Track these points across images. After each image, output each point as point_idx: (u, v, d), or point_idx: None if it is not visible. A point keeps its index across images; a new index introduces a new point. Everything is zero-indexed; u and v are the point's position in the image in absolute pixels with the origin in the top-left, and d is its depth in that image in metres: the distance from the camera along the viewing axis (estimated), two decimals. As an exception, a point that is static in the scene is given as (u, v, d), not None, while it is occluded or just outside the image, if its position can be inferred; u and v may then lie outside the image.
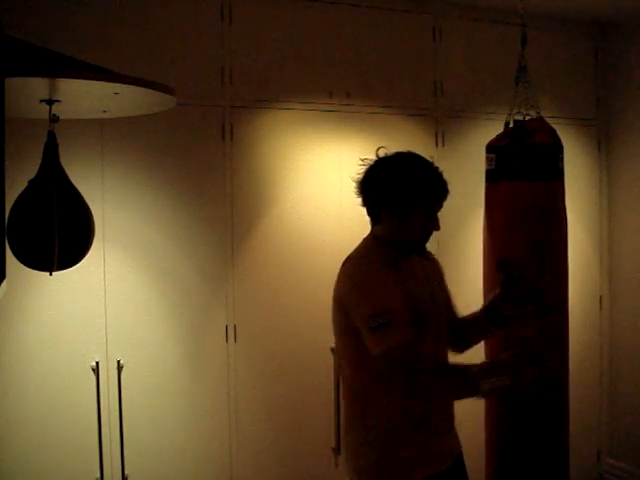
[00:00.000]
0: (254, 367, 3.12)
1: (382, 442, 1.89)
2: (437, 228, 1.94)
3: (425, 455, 1.89)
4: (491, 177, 2.65)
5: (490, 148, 2.64)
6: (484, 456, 2.70)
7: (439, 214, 1.98)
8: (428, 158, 1.94)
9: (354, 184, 1.99)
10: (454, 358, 2.03)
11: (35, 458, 2.74)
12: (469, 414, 3.31)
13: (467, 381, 1.76)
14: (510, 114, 2.69)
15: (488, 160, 2.65)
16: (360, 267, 1.89)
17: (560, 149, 2.67)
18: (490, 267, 2.64)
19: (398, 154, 1.93)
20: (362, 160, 1.97)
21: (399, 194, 1.87)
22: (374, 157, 1.98)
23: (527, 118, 2.67)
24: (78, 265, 2.08)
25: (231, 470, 3.09)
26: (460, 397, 1.85)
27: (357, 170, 2.00)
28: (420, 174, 1.88)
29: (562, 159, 2.67)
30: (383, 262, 1.87)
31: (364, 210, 3.21)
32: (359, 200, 1.99)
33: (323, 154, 3.27)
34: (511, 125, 2.71)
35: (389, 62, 3.39)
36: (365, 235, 2.06)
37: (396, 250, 1.93)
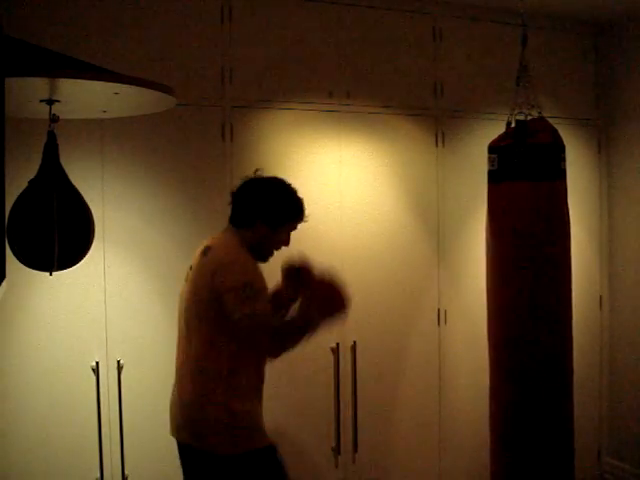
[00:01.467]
0: (254, 367, 3.12)
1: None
2: (286, 244, 2.31)
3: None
4: (494, 177, 2.64)
5: (492, 148, 2.64)
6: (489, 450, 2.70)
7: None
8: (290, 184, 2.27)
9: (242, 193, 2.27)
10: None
11: (35, 458, 2.74)
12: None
13: (304, 322, 2.11)
14: (511, 114, 2.68)
15: (490, 160, 2.65)
16: (233, 253, 2.17)
17: (562, 149, 2.67)
18: (493, 267, 2.63)
19: (270, 178, 2.28)
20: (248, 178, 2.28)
21: (273, 208, 2.23)
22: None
23: (529, 118, 2.67)
24: (78, 265, 2.08)
25: (231, 470, 3.09)
26: (304, 337, 2.13)
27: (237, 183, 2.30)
28: (282, 196, 2.25)
29: (564, 159, 2.67)
30: (250, 256, 2.21)
31: (364, 210, 3.23)
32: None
33: (323, 154, 3.27)
34: (513, 125, 2.71)
35: (389, 62, 3.39)
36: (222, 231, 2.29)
37: (254, 256, 2.24)
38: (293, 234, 3.19)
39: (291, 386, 3.17)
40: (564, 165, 2.66)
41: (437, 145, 3.50)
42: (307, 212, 2.31)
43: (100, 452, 2.80)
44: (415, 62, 3.46)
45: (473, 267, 3.41)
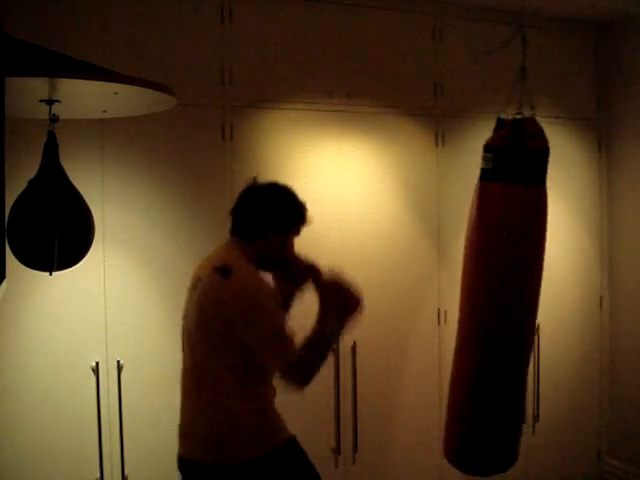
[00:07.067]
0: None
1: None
2: (293, 250, 2.23)
3: None
4: (486, 176, 2.64)
5: (488, 148, 2.63)
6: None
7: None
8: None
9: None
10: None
11: (35, 458, 2.74)
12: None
13: (324, 339, 2.07)
14: (504, 111, 2.67)
15: (485, 159, 2.65)
16: (256, 283, 2.05)
17: (548, 152, 2.67)
18: (471, 261, 2.63)
19: (271, 183, 2.19)
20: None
21: (284, 214, 2.15)
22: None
23: (522, 118, 2.66)
24: (78, 265, 2.08)
25: (231, 470, 3.09)
26: (329, 349, 2.14)
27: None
28: (289, 200, 2.17)
29: (547, 162, 2.68)
30: (268, 284, 2.12)
31: (364, 210, 3.22)
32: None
33: (323, 154, 3.27)
34: (505, 123, 2.69)
35: (389, 62, 3.40)
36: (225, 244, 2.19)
37: (265, 268, 2.18)
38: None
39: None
40: (547, 169, 2.67)
41: (437, 145, 3.50)
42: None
43: (100, 452, 2.79)
44: (415, 62, 3.46)
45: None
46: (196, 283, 2.10)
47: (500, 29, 3.52)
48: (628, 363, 3.86)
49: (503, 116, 2.63)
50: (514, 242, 2.48)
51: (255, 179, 2.18)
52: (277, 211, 2.13)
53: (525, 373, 2.64)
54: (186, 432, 2.21)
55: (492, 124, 3.38)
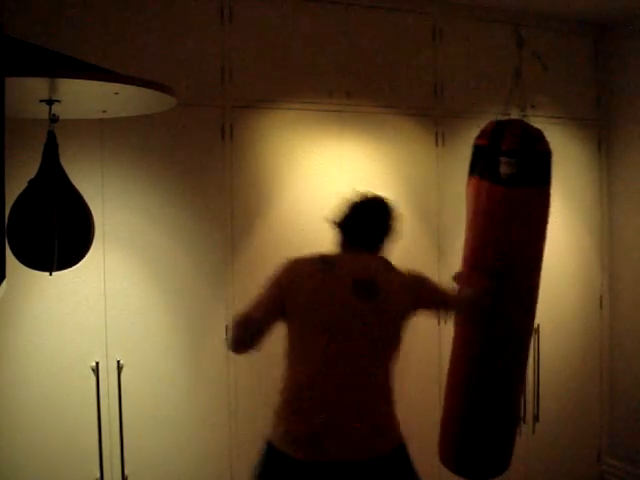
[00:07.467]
0: (254, 367, 3.12)
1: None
2: None
3: None
4: (511, 181, 2.59)
5: (511, 152, 2.58)
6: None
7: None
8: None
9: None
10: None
11: (35, 458, 2.74)
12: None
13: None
14: (503, 113, 2.66)
15: (509, 164, 2.61)
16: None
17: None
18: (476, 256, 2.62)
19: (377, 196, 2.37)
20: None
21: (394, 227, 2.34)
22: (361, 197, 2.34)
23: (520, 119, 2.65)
24: (78, 265, 2.08)
25: (231, 470, 3.09)
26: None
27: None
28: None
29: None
30: None
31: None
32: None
33: (323, 154, 3.27)
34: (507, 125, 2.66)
35: (389, 62, 3.40)
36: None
37: None
38: (293, 235, 3.21)
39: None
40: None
41: (437, 145, 3.50)
42: None
43: (100, 452, 2.80)
44: (415, 62, 3.46)
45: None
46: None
47: (500, 29, 3.53)
48: (628, 363, 3.86)
49: (499, 118, 2.62)
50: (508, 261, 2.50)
51: (365, 192, 2.33)
52: (393, 225, 2.32)
53: (522, 374, 2.64)
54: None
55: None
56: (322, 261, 2.19)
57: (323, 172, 3.27)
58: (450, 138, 3.52)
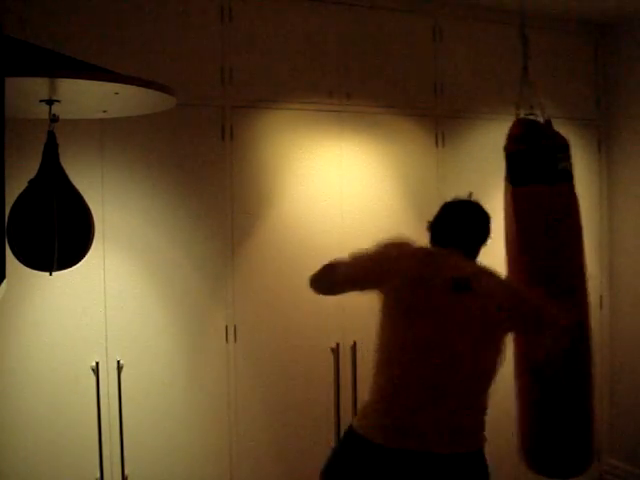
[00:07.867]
0: (254, 367, 3.12)
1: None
2: None
3: None
4: (567, 177, 2.62)
5: (564, 147, 2.59)
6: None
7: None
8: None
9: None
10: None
11: (35, 458, 2.74)
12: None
13: None
14: (518, 112, 2.64)
15: (566, 159, 2.62)
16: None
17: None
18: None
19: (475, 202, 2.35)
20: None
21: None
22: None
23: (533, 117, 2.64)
24: (78, 265, 2.08)
25: (231, 470, 3.09)
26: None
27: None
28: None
29: None
30: None
31: (364, 210, 3.21)
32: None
33: (323, 154, 3.27)
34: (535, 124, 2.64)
35: (389, 62, 3.40)
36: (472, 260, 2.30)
37: None
38: (292, 235, 3.21)
39: (291, 386, 3.18)
40: None
41: (437, 145, 3.50)
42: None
43: (100, 452, 2.80)
44: (415, 62, 3.46)
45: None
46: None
47: (500, 29, 3.53)
48: (628, 363, 3.86)
49: (522, 115, 2.60)
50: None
51: (470, 195, 2.32)
52: (489, 233, 2.30)
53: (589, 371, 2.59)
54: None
55: (492, 124, 3.40)
56: (426, 253, 2.22)
57: (323, 172, 3.27)
58: (450, 138, 3.52)
